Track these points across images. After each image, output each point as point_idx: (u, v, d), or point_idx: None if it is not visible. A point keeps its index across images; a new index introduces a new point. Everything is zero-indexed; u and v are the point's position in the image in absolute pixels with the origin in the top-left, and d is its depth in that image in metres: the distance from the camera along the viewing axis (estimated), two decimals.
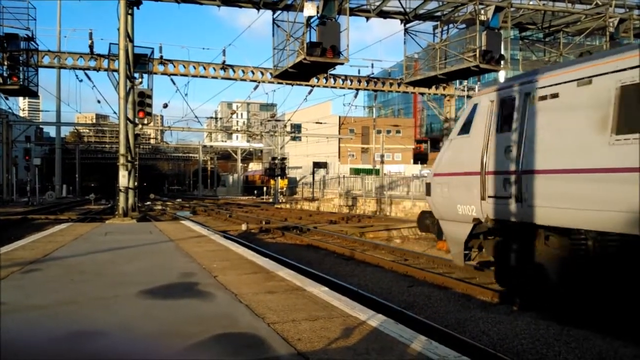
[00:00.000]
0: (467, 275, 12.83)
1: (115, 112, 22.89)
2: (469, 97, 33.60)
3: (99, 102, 40.99)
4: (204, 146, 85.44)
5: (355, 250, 16.46)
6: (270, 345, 4.01)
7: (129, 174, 17.85)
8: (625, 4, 19.56)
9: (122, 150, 18.06)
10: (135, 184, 20.02)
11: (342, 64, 17.09)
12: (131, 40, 19.27)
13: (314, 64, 16.88)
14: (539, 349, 7.28)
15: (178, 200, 58.13)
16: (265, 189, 58.48)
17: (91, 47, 24.20)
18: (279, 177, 47.83)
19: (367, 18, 19.99)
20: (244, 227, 23.33)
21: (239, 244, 11.79)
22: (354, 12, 19.16)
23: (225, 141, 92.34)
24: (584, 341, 7.54)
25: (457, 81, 31.11)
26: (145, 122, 21.09)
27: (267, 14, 20.01)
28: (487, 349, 6.98)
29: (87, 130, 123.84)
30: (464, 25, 18.14)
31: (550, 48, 20.68)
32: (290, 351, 3.87)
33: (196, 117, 76.63)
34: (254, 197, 59.80)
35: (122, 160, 17.91)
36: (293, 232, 22.01)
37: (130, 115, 19.57)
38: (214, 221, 29.18)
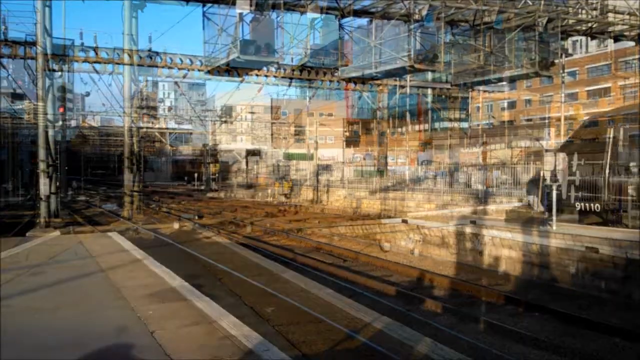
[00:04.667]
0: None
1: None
2: (401, 86, 33.90)
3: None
4: (130, 129, 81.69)
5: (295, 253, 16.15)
6: None
7: (50, 179, 16.57)
8: (552, 2, 20.12)
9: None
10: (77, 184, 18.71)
11: (277, 63, 16.65)
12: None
13: (248, 62, 16.34)
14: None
15: (103, 188, 53.69)
16: (196, 175, 56.80)
17: None
18: (211, 165, 46.76)
19: (302, 13, 19.46)
20: (176, 225, 22.43)
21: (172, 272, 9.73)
22: (289, 6, 18.57)
23: (152, 124, 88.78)
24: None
25: None
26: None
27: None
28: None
29: None
30: (398, 23, 18.09)
31: (481, 45, 21.03)
32: None
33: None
34: (185, 184, 57.97)
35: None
36: (230, 227, 21.70)
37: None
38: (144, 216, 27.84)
